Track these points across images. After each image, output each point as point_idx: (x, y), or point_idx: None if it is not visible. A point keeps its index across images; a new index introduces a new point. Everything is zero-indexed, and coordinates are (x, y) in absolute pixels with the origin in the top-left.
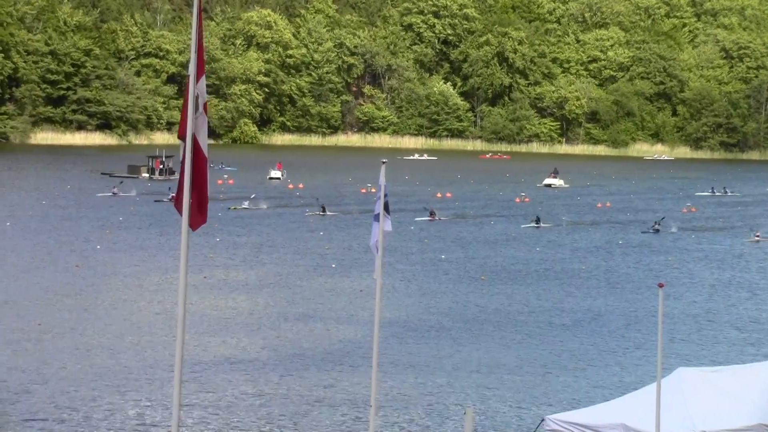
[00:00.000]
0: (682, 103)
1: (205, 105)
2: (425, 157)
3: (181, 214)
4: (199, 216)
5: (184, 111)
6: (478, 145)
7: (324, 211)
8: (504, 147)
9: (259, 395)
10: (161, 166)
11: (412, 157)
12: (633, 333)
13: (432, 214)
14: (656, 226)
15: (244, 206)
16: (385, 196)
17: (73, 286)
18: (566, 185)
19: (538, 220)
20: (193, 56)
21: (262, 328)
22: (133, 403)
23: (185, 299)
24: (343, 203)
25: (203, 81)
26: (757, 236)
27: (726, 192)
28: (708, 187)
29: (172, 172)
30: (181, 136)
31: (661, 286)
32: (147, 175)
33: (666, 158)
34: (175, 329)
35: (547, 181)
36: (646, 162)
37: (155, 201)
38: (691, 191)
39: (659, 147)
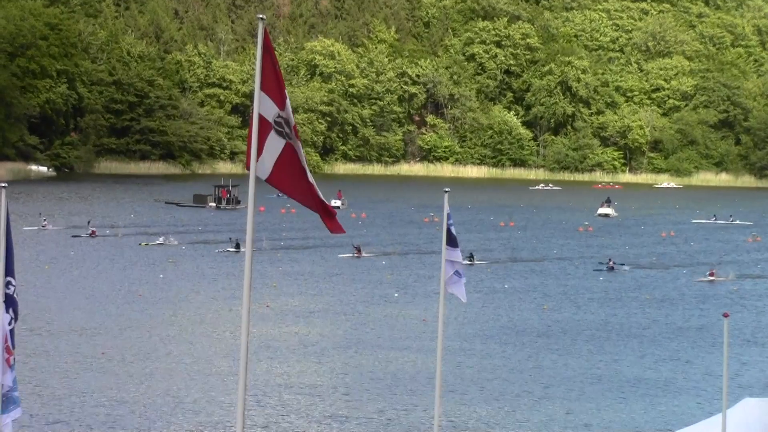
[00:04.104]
0: (746, 132)
1: (294, 127)
2: (550, 186)
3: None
4: (334, 221)
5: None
6: (540, 174)
7: (238, 248)
8: (567, 176)
9: (322, 421)
10: (228, 196)
11: (537, 188)
12: (699, 362)
13: (358, 250)
14: (610, 263)
15: (158, 242)
16: (450, 224)
17: (137, 315)
18: (616, 214)
19: (471, 256)
20: (257, 89)
21: (325, 355)
22: (196, 428)
23: (248, 324)
24: (405, 237)
25: (288, 107)
26: (711, 274)
27: (731, 220)
28: (710, 215)
29: (238, 202)
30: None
31: (726, 316)
32: (213, 204)
33: (674, 186)
34: (238, 356)
35: (601, 210)
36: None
37: (72, 236)
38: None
39: (723, 176)
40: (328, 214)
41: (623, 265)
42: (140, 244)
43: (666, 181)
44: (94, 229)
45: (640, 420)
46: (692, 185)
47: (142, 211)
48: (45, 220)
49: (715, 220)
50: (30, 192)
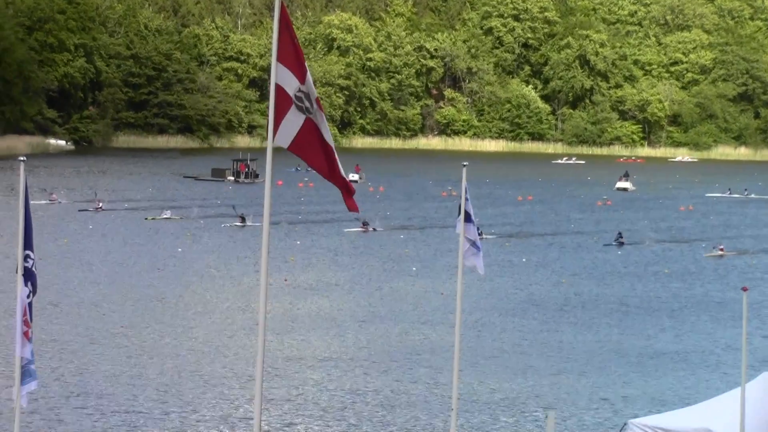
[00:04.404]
0: (765, 106)
1: (317, 100)
2: (573, 160)
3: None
4: (351, 200)
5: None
6: (558, 148)
7: (244, 221)
8: (585, 150)
9: (340, 395)
10: (246, 170)
11: (560, 161)
12: (718, 336)
13: (365, 224)
14: (621, 239)
15: (164, 216)
16: (467, 199)
17: (155, 289)
18: (634, 188)
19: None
20: (274, 60)
21: (343, 329)
22: (216, 401)
23: (266, 297)
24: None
25: (309, 80)
26: (721, 249)
27: (747, 194)
28: (725, 189)
29: (256, 176)
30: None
31: (745, 289)
32: (232, 178)
33: (690, 159)
34: (257, 329)
35: (620, 184)
36: (719, 164)
37: (79, 210)
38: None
39: (742, 150)
40: (348, 192)
41: (618, 232)
42: (146, 219)
43: (681, 155)
44: (101, 203)
45: (659, 393)
46: (710, 159)
47: (160, 185)
48: (52, 194)
49: (730, 193)
50: (48, 166)
